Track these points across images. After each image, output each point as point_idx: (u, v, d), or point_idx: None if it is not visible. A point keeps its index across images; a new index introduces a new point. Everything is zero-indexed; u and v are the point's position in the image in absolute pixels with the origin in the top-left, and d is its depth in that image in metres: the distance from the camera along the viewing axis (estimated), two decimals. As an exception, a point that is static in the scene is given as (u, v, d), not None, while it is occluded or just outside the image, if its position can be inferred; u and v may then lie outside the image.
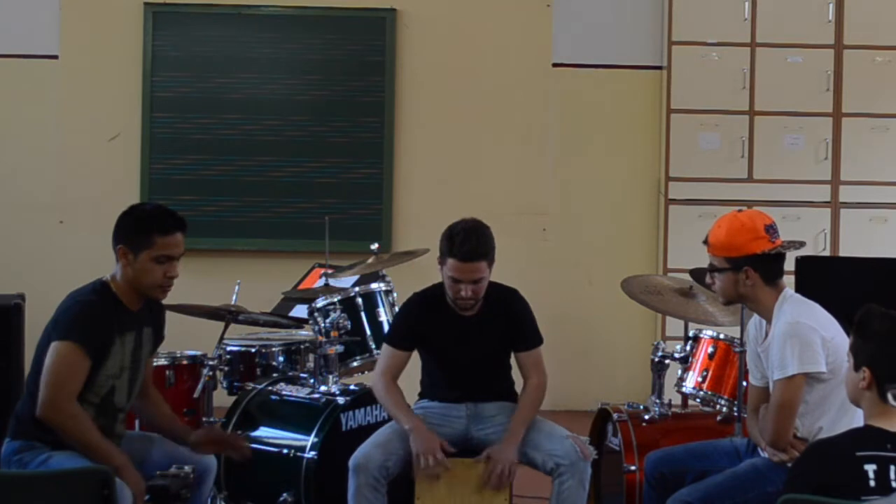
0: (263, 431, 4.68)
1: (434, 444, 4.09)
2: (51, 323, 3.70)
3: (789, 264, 4.14)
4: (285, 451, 4.51)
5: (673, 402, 4.84)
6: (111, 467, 3.24)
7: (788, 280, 4.01)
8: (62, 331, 3.63)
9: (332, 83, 7.47)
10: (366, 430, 4.45)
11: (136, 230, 3.75)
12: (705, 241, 3.93)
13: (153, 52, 7.41)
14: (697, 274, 4.83)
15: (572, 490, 4.06)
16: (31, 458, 3.62)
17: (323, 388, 4.69)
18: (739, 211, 3.95)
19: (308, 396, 4.69)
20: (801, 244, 4.04)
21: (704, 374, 4.78)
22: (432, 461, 4.05)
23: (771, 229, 3.85)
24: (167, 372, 4.80)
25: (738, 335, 4.61)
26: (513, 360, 4.41)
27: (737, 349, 4.64)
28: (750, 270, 3.82)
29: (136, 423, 4.28)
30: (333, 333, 4.75)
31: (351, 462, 4.06)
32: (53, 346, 3.61)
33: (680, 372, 4.87)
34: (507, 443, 4.14)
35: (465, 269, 4.16)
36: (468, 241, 4.15)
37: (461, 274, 4.17)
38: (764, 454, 3.82)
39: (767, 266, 3.84)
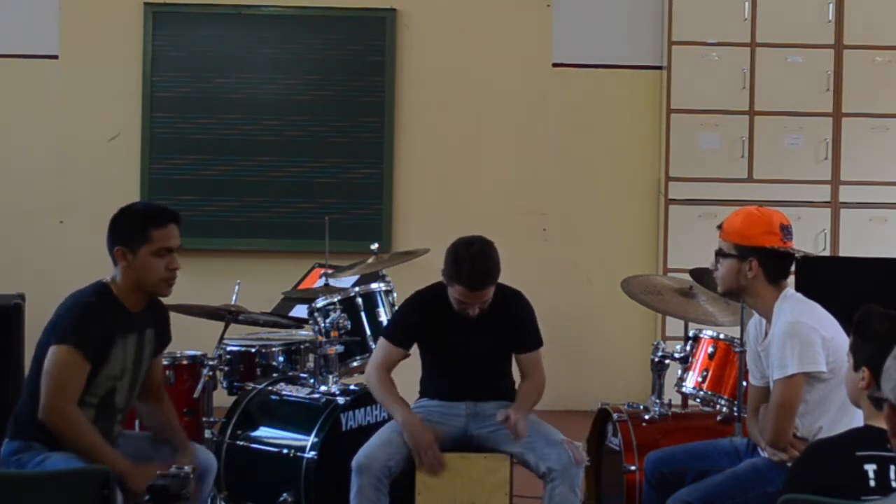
0: (263, 431, 4.68)
1: (426, 438, 4.11)
2: (50, 324, 3.69)
3: (789, 264, 4.13)
4: (285, 451, 4.51)
5: (673, 402, 4.84)
6: (113, 471, 3.24)
7: (788, 280, 4.00)
8: (60, 334, 3.61)
9: (332, 83, 7.46)
10: (366, 430, 4.46)
11: (130, 228, 3.73)
12: (720, 226, 3.93)
13: (153, 52, 7.40)
14: (697, 274, 4.84)
15: (563, 495, 4.08)
16: (28, 458, 3.61)
17: (323, 388, 4.69)
18: (760, 206, 3.96)
19: (308, 396, 4.69)
20: (810, 255, 4.05)
21: (704, 374, 4.77)
22: (428, 457, 4.08)
23: (786, 230, 3.85)
24: (167, 372, 4.79)
25: (738, 335, 4.61)
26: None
27: (737, 349, 4.64)
28: (754, 262, 3.81)
29: (136, 423, 4.27)
30: (333, 333, 4.75)
31: (354, 462, 4.07)
32: (52, 349, 3.59)
33: (680, 372, 4.87)
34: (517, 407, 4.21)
35: (473, 296, 4.18)
36: (476, 269, 4.15)
37: (470, 299, 4.18)
38: (764, 454, 3.82)
39: (773, 263, 3.83)
